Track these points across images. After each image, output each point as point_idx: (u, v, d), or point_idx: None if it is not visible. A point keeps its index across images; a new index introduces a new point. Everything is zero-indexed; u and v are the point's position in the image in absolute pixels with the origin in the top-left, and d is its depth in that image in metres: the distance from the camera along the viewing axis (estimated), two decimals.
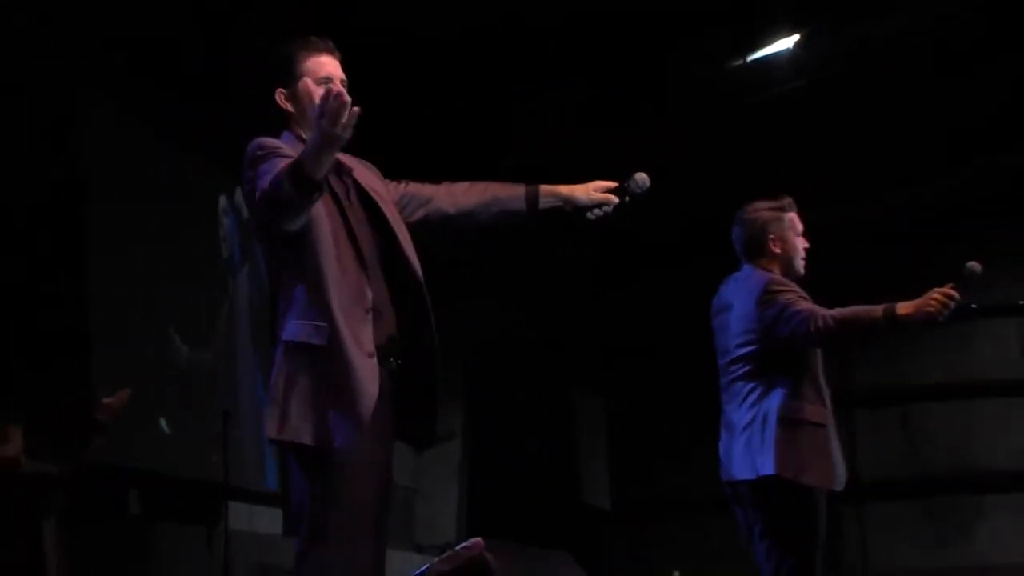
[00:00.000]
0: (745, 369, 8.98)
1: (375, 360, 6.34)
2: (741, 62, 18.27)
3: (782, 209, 9.36)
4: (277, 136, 6.61)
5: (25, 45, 14.74)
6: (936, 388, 22.63)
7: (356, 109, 5.69)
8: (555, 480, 21.54)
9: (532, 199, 6.78)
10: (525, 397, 21.67)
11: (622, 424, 23.92)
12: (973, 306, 21.31)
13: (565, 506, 20.66)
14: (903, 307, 8.43)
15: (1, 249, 14.27)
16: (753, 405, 8.89)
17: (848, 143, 20.30)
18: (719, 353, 9.27)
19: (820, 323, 8.51)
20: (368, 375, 6.26)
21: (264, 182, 6.03)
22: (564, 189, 6.77)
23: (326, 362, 6.26)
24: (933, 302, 8.35)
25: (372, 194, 6.69)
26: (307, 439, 6.25)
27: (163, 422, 14.06)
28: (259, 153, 6.32)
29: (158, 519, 15.42)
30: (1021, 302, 22.02)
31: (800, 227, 9.34)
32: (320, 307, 6.30)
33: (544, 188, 6.78)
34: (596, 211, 6.75)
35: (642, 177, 6.83)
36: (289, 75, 6.64)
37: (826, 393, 9.04)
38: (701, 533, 17.58)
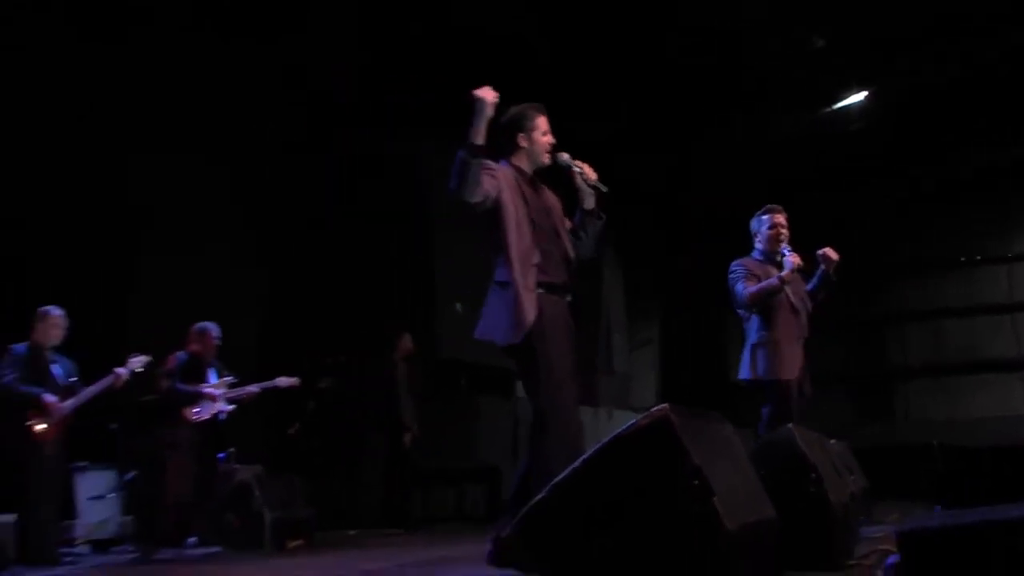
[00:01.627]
0: (739, 312, 9.70)
1: (534, 293, 6.80)
2: (830, 109, 18.28)
3: (764, 213, 9.76)
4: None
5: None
6: (953, 310, 22.93)
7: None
8: (712, 366, 21.67)
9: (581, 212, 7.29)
10: (692, 316, 21.97)
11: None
12: (978, 257, 21.86)
13: (718, 382, 20.77)
14: (785, 273, 9.17)
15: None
16: (744, 334, 9.66)
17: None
18: None
19: (743, 298, 9.33)
20: (528, 302, 6.76)
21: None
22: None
23: (508, 292, 6.79)
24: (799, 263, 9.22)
25: (551, 206, 7.25)
26: (499, 338, 6.84)
27: (458, 305, 14.72)
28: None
29: (477, 392, 15.93)
30: (1009, 255, 22.20)
31: (777, 222, 9.67)
32: (506, 260, 6.83)
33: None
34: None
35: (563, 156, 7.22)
36: (526, 127, 7.15)
37: (785, 321, 9.43)
38: None
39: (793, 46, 16.49)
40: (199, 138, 13.87)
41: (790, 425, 6.50)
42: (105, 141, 13.11)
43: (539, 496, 4.51)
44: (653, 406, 4.39)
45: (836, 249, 9.39)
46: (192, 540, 11.24)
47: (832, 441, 7.54)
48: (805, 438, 6.38)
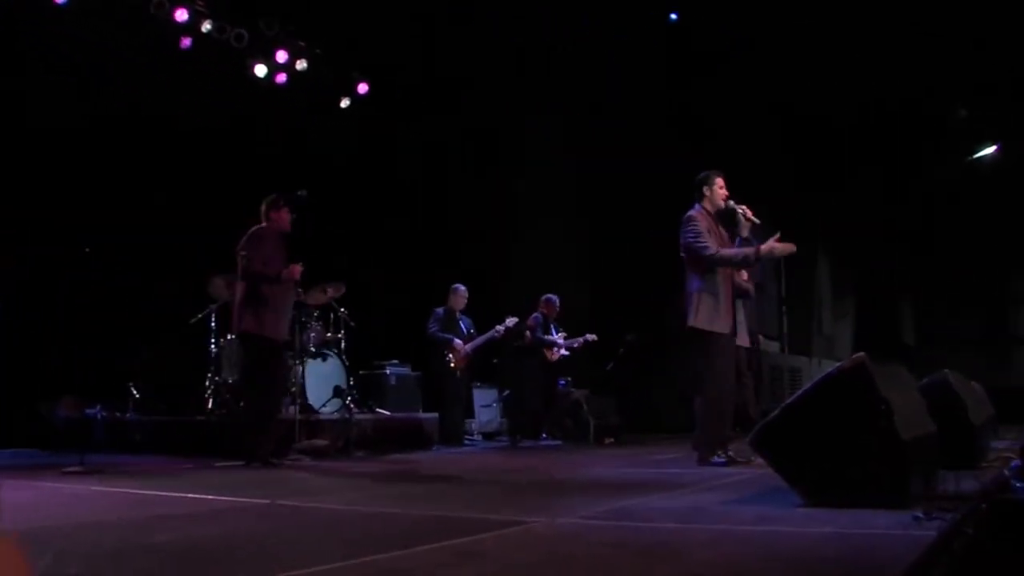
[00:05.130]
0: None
1: (731, 303, 7.04)
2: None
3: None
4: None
5: None
6: None
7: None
8: (891, 330, 20.37)
9: (740, 239, 7.63)
10: (876, 299, 20.57)
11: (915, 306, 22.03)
12: None
13: (896, 340, 19.61)
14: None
15: None
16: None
17: None
18: None
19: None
20: (727, 310, 6.98)
21: (693, 241, 6.99)
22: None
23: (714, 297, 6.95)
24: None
25: (723, 234, 7.28)
26: (698, 325, 6.90)
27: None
28: (689, 226, 7.07)
29: None
30: None
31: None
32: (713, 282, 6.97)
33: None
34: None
35: (730, 203, 7.20)
36: (710, 183, 7.20)
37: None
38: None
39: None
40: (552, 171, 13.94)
41: (946, 370, 6.35)
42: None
43: (773, 415, 4.49)
44: (854, 356, 4.35)
45: None
46: (543, 435, 11.44)
47: (973, 383, 7.29)
48: (956, 380, 6.25)
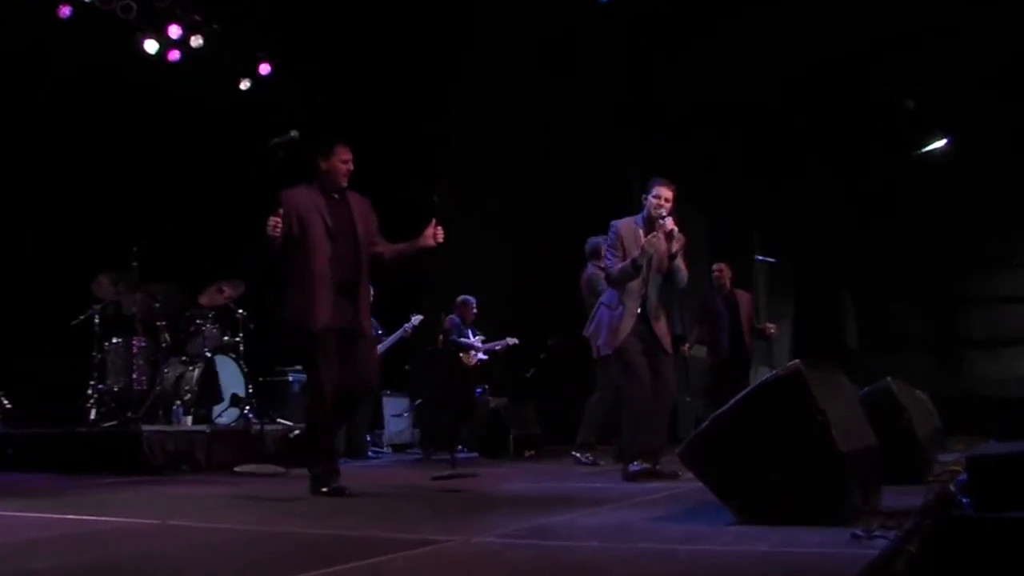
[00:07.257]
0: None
1: (636, 315, 7.14)
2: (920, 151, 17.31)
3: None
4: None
5: None
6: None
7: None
8: (832, 334, 20.37)
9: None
10: (816, 298, 20.56)
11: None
12: None
13: (837, 345, 19.58)
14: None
15: None
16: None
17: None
18: None
19: None
20: (628, 323, 7.12)
21: (610, 265, 7.33)
22: None
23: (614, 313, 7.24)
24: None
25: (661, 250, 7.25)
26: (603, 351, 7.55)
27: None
28: (610, 241, 7.38)
29: None
30: None
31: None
32: (619, 294, 7.23)
33: None
34: None
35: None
36: (649, 191, 7.23)
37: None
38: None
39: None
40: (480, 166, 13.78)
41: (888, 378, 6.45)
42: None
43: (702, 426, 4.53)
44: (789, 363, 4.40)
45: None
46: (460, 448, 11.43)
47: (919, 391, 7.44)
48: (900, 388, 6.36)
